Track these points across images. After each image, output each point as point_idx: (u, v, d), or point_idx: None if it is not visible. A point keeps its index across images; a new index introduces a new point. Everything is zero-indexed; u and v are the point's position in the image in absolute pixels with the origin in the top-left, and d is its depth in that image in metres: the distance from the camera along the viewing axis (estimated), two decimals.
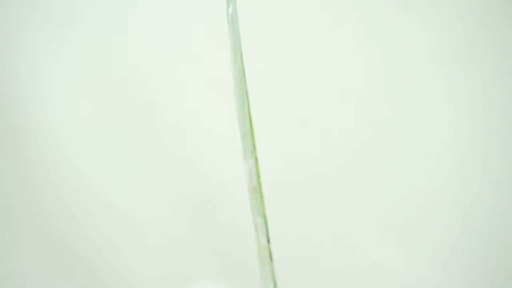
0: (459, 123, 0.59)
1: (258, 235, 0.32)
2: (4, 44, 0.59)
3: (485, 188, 0.58)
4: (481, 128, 0.58)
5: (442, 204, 0.58)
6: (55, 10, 0.59)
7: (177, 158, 0.60)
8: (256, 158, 0.32)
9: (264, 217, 0.32)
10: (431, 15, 0.58)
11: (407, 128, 0.60)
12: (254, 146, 0.32)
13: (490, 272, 0.55)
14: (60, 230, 0.58)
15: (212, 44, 0.56)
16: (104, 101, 0.60)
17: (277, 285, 0.32)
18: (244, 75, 0.32)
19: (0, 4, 0.59)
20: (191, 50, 0.53)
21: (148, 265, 0.58)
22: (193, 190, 0.59)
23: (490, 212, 0.57)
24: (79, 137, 0.60)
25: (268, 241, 0.32)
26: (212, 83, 0.58)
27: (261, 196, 0.32)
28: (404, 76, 0.60)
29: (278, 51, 0.60)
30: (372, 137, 0.60)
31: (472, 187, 0.58)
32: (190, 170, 0.59)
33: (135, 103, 0.61)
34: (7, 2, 0.59)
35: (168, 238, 0.59)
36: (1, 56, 0.58)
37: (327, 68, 0.60)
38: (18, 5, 0.59)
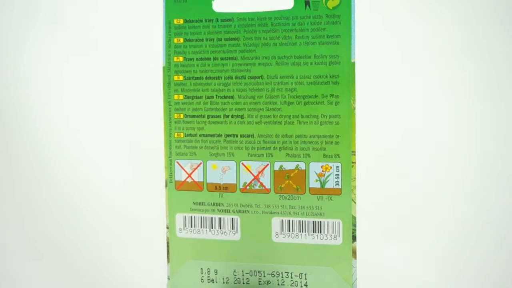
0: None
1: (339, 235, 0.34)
2: (7, 45, 0.59)
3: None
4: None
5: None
6: (57, 11, 0.60)
7: None
8: (354, 163, 0.34)
9: (353, 218, 0.34)
10: None
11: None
12: (353, 151, 0.34)
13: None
14: (60, 230, 0.60)
15: None
16: (104, 100, 0.61)
17: (356, 281, 0.34)
18: (354, 79, 0.34)
19: (4, 5, 0.59)
20: None
21: (147, 265, 0.60)
22: None
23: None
24: (79, 137, 0.60)
25: (354, 240, 0.34)
26: None
27: (354, 199, 0.34)
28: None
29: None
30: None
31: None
32: None
33: (138, 101, 0.61)
34: (11, 4, 0.59)
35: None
36: (5, 57, 0.59)
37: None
38: (21, 7, 0.59)
